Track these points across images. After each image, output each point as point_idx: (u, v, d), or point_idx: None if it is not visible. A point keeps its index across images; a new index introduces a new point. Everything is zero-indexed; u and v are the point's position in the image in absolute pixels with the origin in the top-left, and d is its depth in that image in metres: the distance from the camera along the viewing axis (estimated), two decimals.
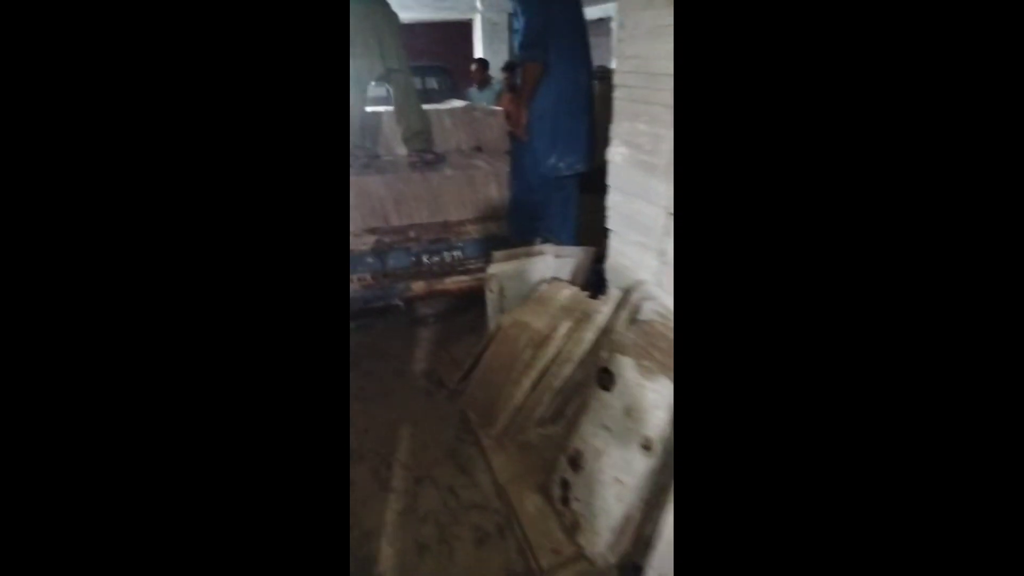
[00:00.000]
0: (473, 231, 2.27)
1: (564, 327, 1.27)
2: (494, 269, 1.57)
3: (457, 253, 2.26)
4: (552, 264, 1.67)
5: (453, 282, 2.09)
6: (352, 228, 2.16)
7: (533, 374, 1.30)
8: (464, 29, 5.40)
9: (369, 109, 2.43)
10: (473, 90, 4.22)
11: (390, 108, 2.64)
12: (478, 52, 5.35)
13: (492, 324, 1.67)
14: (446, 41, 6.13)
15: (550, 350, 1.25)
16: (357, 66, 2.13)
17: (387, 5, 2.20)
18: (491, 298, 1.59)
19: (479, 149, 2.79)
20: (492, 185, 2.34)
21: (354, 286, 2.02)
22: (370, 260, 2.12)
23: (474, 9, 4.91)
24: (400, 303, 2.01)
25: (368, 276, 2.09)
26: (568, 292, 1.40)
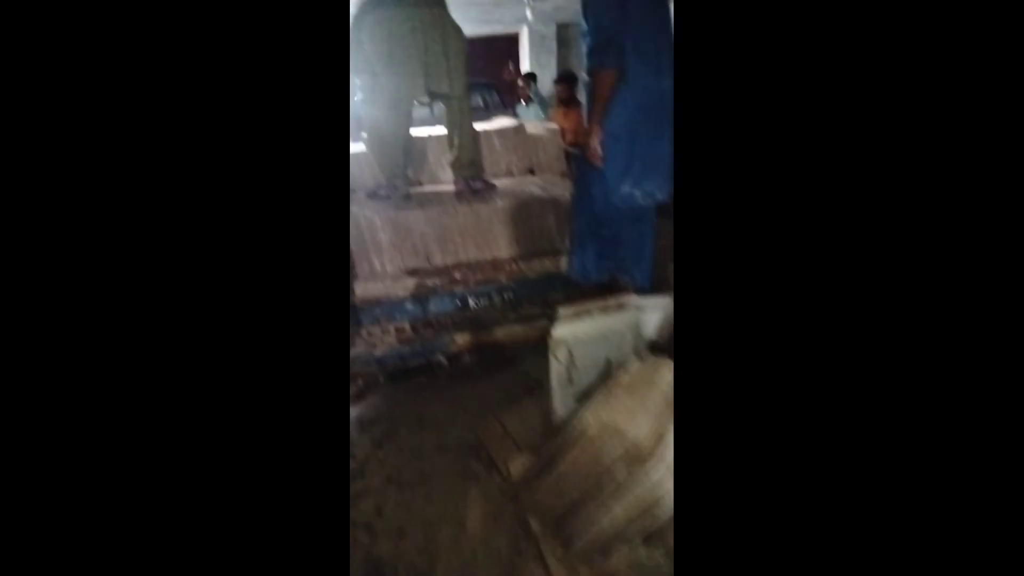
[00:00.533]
0: (527, 269, 1.94)
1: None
2: (562, 331, 1.23)
3: (508, 295, 1.93)
4: (635, 321, 1.31)
5: (505, 333, 1.76)
6: (389, 270, 1.88)
7: (630, 500, 0.94)
8: (511, 43, 5.17)
9: (415, 132, 2.16)
10: (520, 106, 3.95)
11: (435, 130, 2.39)
12: (525, 66, 5.10)
13: (557, 401, 1.31)
14: (491, 55, 5.94)
15: (656, 474, 0.89)
16: (398, 84, 1.86)
17: (448, 17, 1.88)
18: (557, 369, 1.25)
19: (531, 172, 2.47)
20: (549, 215, 2.01)
21: (391, 339, 1.73)
22: (409, 307, 1.83)
23: (522, 22, 4.66)
24: (443, 359, 1.70)
25: (407, 326, 1.80)
26: (671, 376, 1.04)
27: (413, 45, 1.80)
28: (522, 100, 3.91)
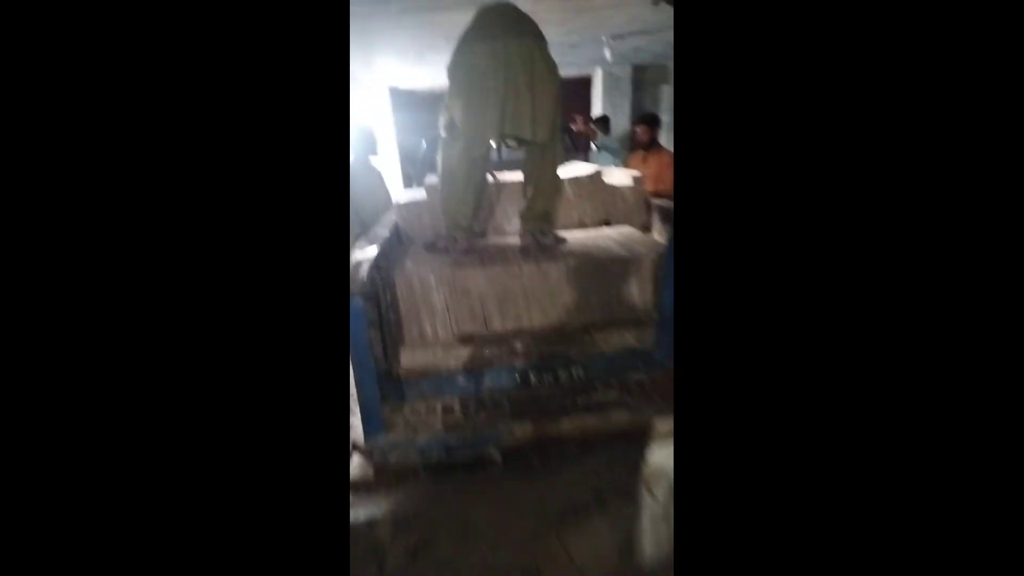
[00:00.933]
0: (602, 342, 1.63)
1: None
2: (661, 457, 0.90)
3: (578, 372, 1.61)
4: None
5: (573, 425, 1.44)
6: (441, 336, 1.64)
7: None
8: (583, 85, 5.05)
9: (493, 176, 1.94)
10: (593, 150, 3.72)
11: (503, 175, 2.19)
12: (596, 109, 4.92)
13: (647, 543, 0.96)
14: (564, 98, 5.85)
15: None
16: (473, 125, 1.62)
17: (542, 53, 1.61)
18: (652, 507, 0.91)
19: (607, 223, 2.19)
20: (631, 278, 1.70)
21: (436, 422, 1.46)
22: (461, 381, 1.56)
23: (596, 64, 4.52)
24: (496, 454, 1.40)
25: (456, 405, 1.53)
26: None
27: (493, 82, 1.56)
28: (592, 144, 3.68)
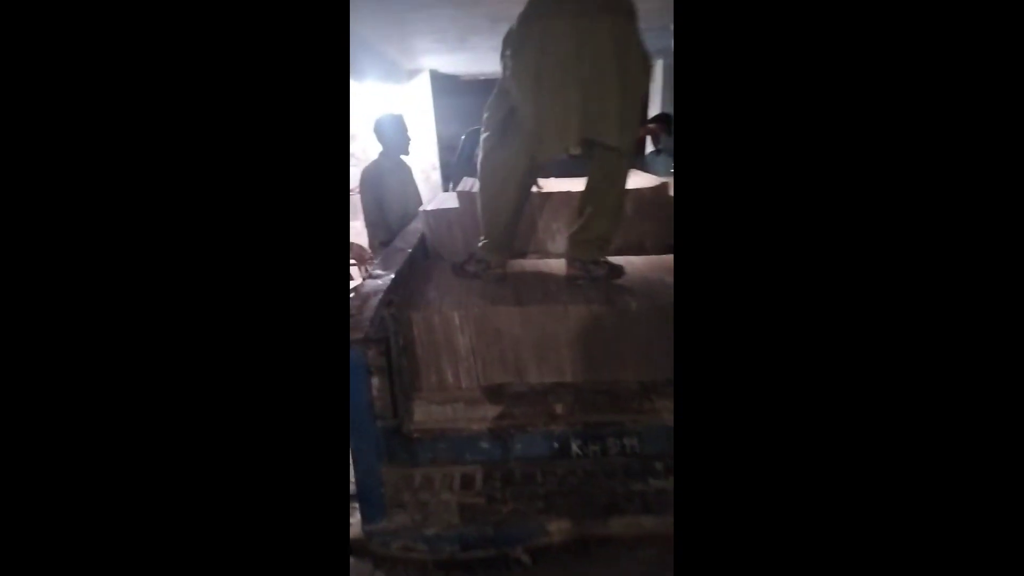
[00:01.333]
0: (665, 410, 1.29)
1: None
2: None
3: (632, 444, 1.28)
4: None
5: (624, 526, 1.12)
6: (465, 386, 1.34)
7: None
8: None
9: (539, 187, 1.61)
10: (650, 154, 3.32)
11: (548, 184, 1.86)
12: (655, 104, 4.48)
13: None
14: None
15: None
16: (543, 124, 1.26)
17: (634, 35, 1.23)
18: None
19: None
20: None
21: (451, 502, 1.17)
22: (484, 445, 1.26)
23: (659, 54, 4.09)
24: (525, 557, 1.10)
25: (478, 476, 1.23)
26: None
27: (575, 70, 1.18)
28: (653, 146, 3.28)
